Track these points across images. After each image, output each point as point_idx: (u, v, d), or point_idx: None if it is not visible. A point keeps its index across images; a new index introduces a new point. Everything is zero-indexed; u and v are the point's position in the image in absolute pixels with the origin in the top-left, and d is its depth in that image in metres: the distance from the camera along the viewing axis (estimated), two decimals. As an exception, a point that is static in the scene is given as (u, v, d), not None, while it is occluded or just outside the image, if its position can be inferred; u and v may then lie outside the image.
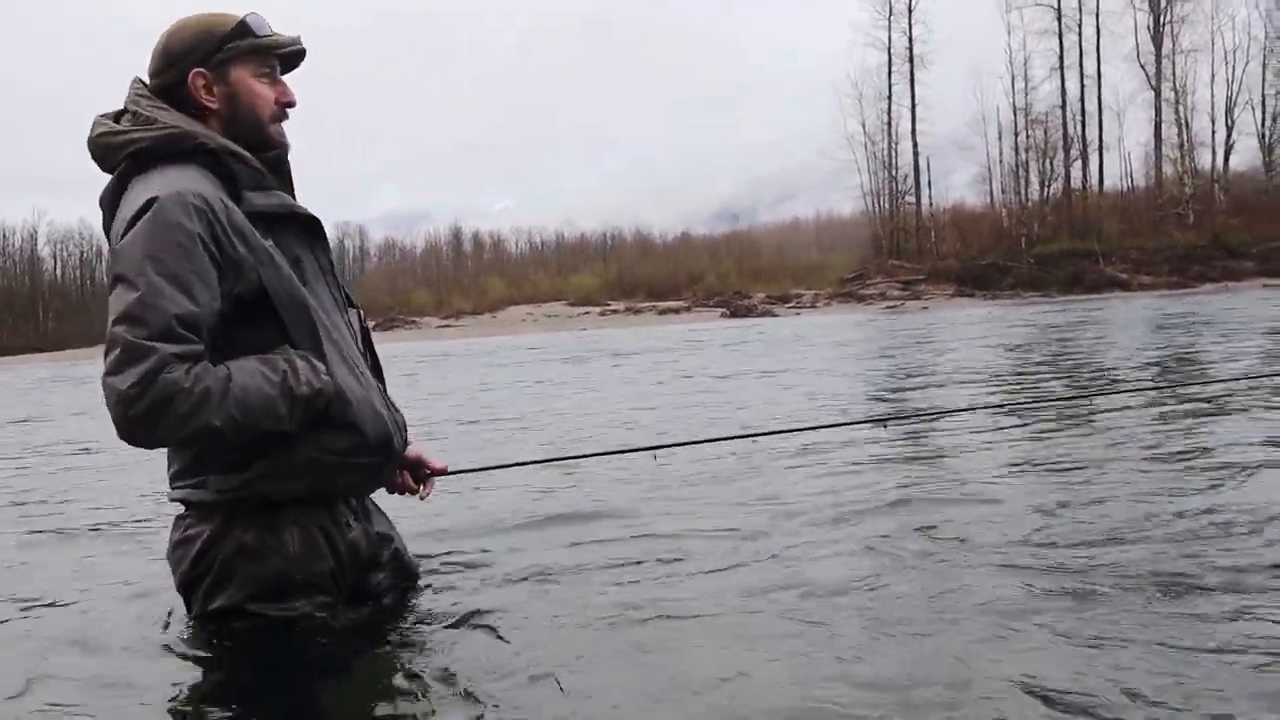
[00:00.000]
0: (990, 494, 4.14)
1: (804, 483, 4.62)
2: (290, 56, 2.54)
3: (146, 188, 2.26)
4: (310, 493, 2.39)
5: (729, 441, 5.40)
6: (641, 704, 2.14)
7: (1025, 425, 6.13)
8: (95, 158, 2.40)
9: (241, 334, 2.29)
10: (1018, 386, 9.14)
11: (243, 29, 2.42)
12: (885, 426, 5.35)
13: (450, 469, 2.92)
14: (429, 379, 15.59)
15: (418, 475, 2.82)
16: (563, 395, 11.08)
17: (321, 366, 2.31)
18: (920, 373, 11.32)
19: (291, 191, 2.52)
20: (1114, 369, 10.14)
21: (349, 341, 2.50)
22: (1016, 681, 2.16)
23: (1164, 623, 2.48)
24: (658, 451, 3.34)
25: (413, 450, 2.79)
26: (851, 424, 5.92)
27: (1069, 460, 4.82)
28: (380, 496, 2.82)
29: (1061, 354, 12.69)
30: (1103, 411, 6.52)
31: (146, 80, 2.45)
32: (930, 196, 57.54)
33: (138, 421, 2.11)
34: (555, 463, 3.49)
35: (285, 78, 2.56)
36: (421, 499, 2.86)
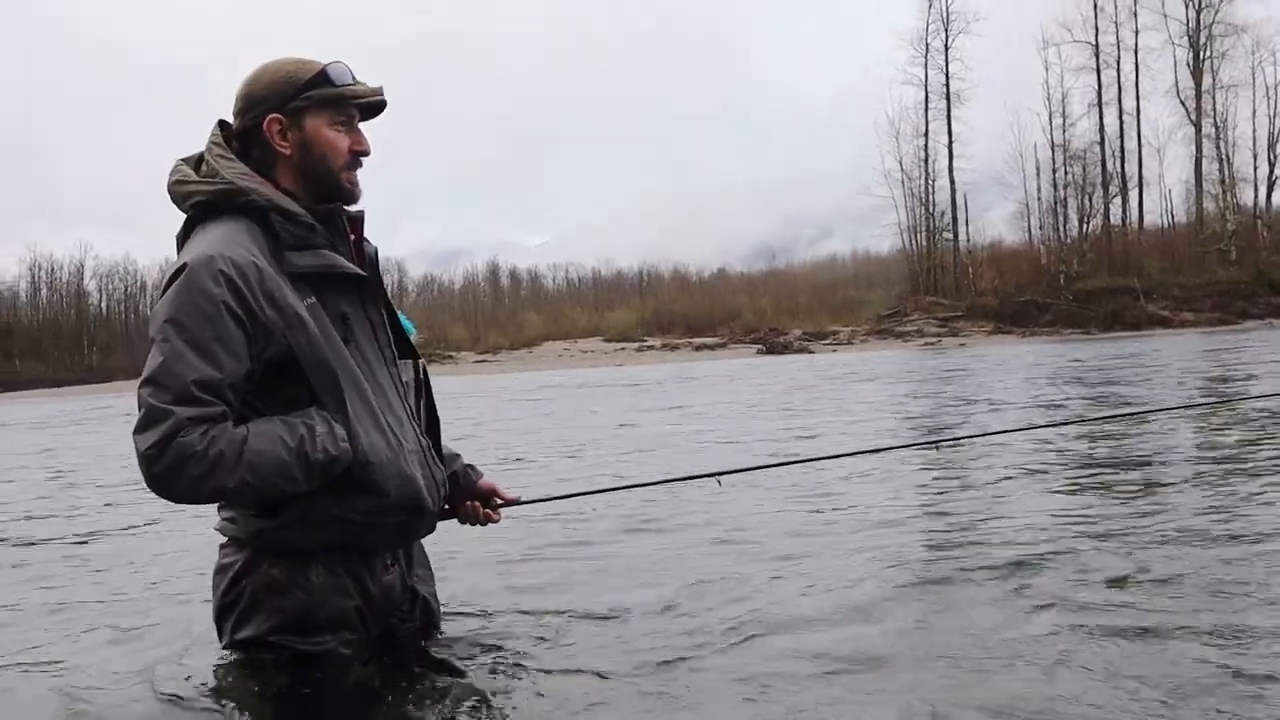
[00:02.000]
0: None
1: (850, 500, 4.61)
2: (370, 106, 2.55)
3: (191, 246, 2.35)
4: (336, 545, 2.43)
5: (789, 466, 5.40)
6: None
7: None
8: (173, 201, 2.47)
9: (279, 389, 2.35)
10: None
11: (321, 77, 2.44)
12: (937, 448, 5.34)
13: (523, 499, 2.96)
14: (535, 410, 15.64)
15: (490, 505, 2.86)
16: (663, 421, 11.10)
17: (341, 432, 2.32)
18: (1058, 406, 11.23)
19: (347, 244, 2.53)
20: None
21: (391, 399, 2.51)
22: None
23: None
24: (720, 477, 3.32)
25: (486, 482, 2.85)
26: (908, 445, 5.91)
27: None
28: (451, 525, 2.85)
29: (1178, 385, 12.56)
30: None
31: (231, 120, 2.50)
32: (968, 233, 57.39)
33: (158, 480, 2.21)
34: (619, 491, 3.50)
35: (365, 126, 2.55)
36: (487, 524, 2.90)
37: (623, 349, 53.54)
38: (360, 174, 2.55)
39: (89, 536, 5.52)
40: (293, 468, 2.26)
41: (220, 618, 2.51)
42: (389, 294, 2.70)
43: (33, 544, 5.39)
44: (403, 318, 2.75)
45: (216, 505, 2.50)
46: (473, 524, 2.86)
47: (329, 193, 2.49)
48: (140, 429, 2.20)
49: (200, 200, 2.40)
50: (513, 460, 8.36)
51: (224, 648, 2.53)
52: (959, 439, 6.86)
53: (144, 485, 2.24)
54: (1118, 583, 3.22)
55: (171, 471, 2.18)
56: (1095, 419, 7.99)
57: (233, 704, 2.44)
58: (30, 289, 71.17)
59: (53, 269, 70.95)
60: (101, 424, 18.97)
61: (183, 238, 2.44)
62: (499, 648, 2.87)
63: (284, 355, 2.31)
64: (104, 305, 72.14)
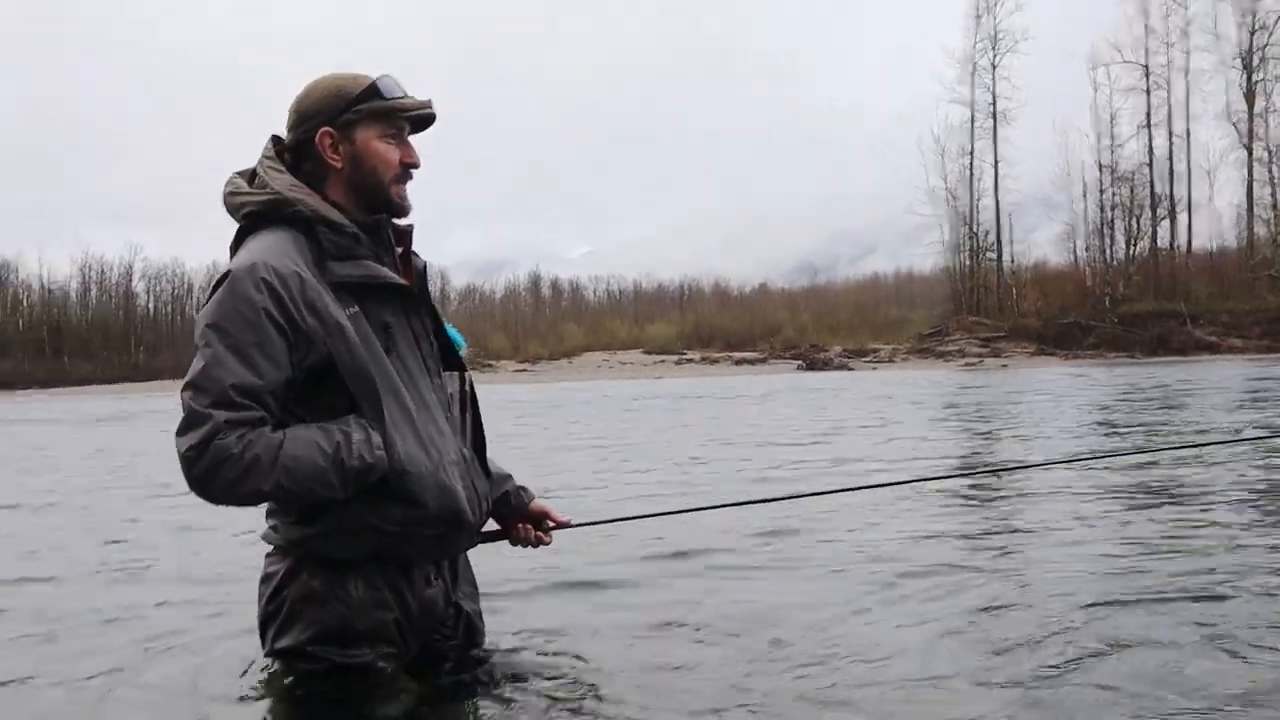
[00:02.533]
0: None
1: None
2: (419, 119, 2.58)
3: (240, 255, 2.41)
4: (374, 555, 2.45)
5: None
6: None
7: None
8: (227, 211, 2.54)
9: (319, 396, 2.39)
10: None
11: (372, 91, 2.49)
12: (998, 475, 5.32)
13: (573, 522, 2.95)
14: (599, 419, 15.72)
15: (542, 527, 2.86)
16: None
17: (378, 439, 2.35)
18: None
19: (392, 255, 2.57)
20: None
21: (433, 410, 2.53)
22: None
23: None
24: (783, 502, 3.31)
25: (537, 504, 2.86)
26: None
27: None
28: (502, 547, 2.87)
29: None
30: None
31: (284, 134, 2.56)
32: (1012, 253, 56.88)
33: (197, 481, 2.27)
34: (676, 515, 3.49)
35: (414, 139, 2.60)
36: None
37: (662, 362, 53.52)
38: (409, 185, 2.59)
39: (146, 536, 5.63)
40: (328, 474, 2.29)
41: (263, 626, 2.55)
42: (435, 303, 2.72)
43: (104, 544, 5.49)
44: (452, 331, 2.77)
45: (265, 512, 2.55)
46: (524, 546, 2.87)
47: (379, 206, 2.54)
48: (181, 431, 2.25)
49: (251, 210, 2.46)
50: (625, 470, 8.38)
51: (265, 655, 2.57)
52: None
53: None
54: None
55: (209, 473, 2.23)
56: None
57: (269, 712, 2.49)
58: (80, 289, 72.53)
59: (102, 270, 72.25)
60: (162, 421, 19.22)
61: (234, 247, 2.50)
62: (539, 668, 2.88)
63: (324, 363, 2.35)
64: (151, 306, 73.21)
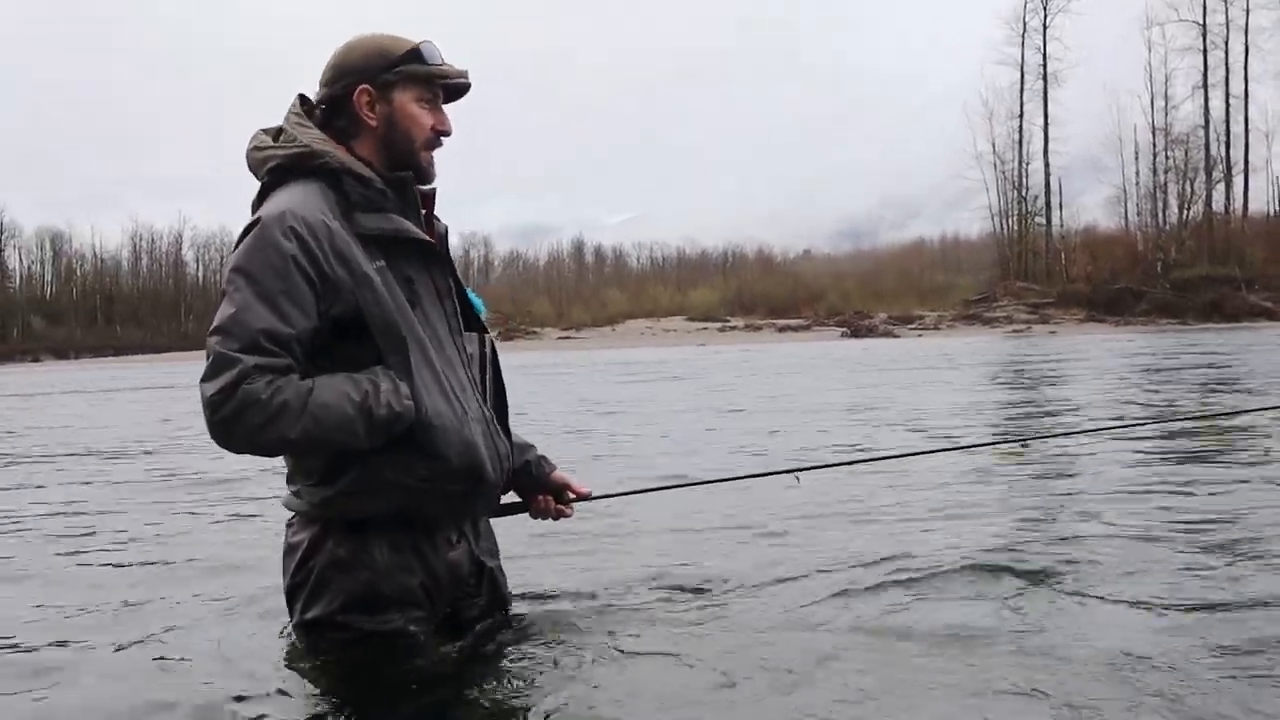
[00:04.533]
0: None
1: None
2: (455, 88, 2.59)
3: (267, 204, 2.39)
4: (397, 514, 2.43)
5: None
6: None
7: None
8: (250, 168, 2.53)
9: (344, 348, 2.37)
10: None
11: (414, 55, 2.48)
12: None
13: (594, 494, 2.91)
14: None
15: (562, 499, 2.85)
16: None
17: (405, 390, 2.34)
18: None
19: (416, 212, 2.55)
20: None
21: (455, 366, 2.52)
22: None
23: None
24: (800, 474, 3.26)
25: (558, 475, 2.83)
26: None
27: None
28: (522, 520, 2.85)
29: None
30: None
31: (317, 88, 2.54)
32: (1061, 218, 56.18)
33: (220, 426, 2.23)
34: (699, 485, 3.44)
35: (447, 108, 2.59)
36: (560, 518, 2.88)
37: (705, 328, 53.51)
38: (440, 153, 2.57)
39: (180, 516, 5.69)
40: (356, 422, 2.27)
41: (290, 598, 2.54)
42: (472, 270, 2.70)
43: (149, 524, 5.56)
44: (472, 294, 2.76)
45: (286, 478, 2.54)
46: (544, 518, 2.86)
47: (406, 168, 2.52)
48: (207, 376, 2.23)
49: (277, 164, 2.44)
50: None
51: (294, 626, 2.56)
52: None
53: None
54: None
55: (234, 417, 2.20)
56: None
57: (302, 682, 2.47)
58: (131, 258, 73.80)
59: (152, 239, 73.51)
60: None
61: (257, 203, 2.47)
62: (571, 627, 2.87)
63: (351, 314, 2.33)
64: (200, 275, 74.40)
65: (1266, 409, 7.61)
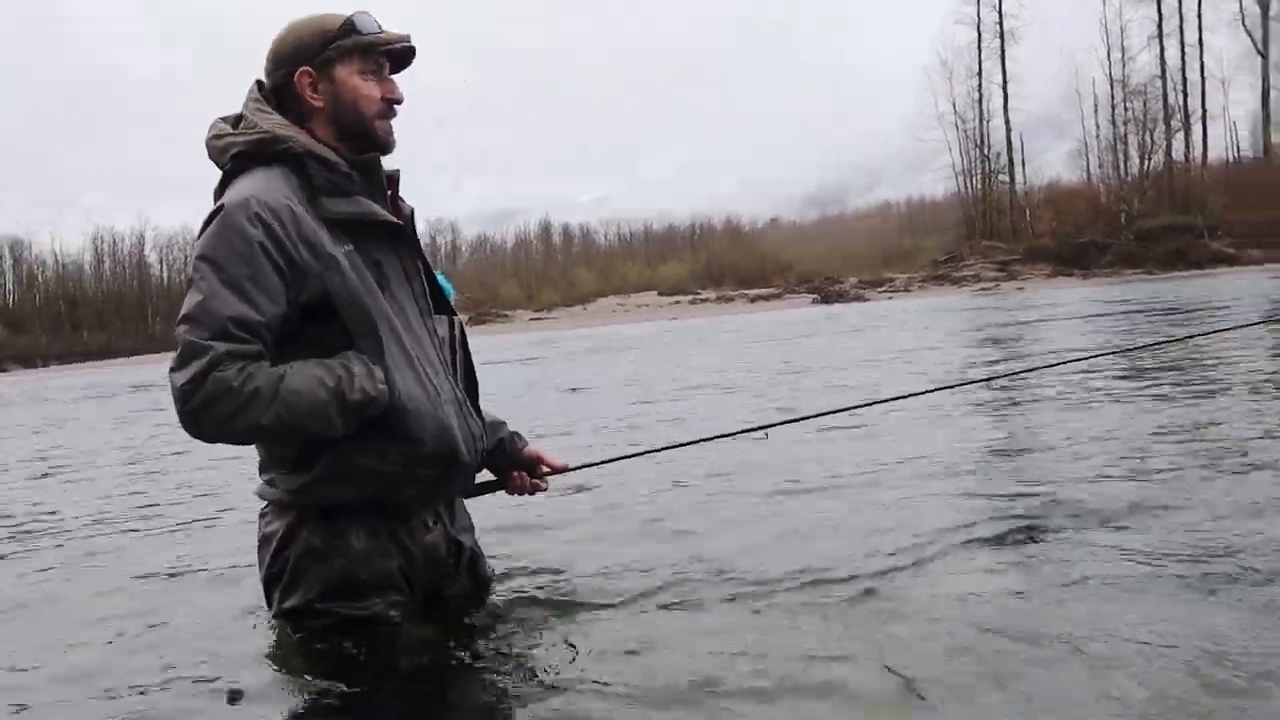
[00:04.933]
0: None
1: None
2: (399, 54, 2.53)
3: (230, 192, 2.36)
4: (372, 500, 2.43)
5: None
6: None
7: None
8: (210, 158, 2.50)
9: (314, 334, 2.35)
10: None
11: (348, 28, 2.45)
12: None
13: (570, 465, 2.92)
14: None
15: (536, 474, 2.85)
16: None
17: (379, 374, 2.32)
18: None
19: (383, 194, 2.53)
20: None
21: (426, 348, 2.51)
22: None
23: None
24: (768, 430, 3.27)
25: (530, 450, 2.83)
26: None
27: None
28: (499, 497, 2.85)
29: None
30: None
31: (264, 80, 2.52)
32: (1024, 175, 56.38)
33: (191, 416, 2.22)
34: (673, 449, 3.43)
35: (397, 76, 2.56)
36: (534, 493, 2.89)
37: (677, 302, 53.48)
38: (411, 131, 2.58)
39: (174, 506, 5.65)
40: (329, 407, 2.26)
41: (267, 588, 2.53)
42: (439, 255, 2.69)
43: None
44: (441, 278, 2.75)
45: (259, 468, 2.53)
46: (520, 494, 2.86)
47: (363, 144, 2.49)
48: (177, 366, 2.21)
49: (239, 151, 2.41)
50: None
51: (273, 616, 2.55)
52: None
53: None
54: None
55: (205, 406, 2.19)
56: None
57: (284, 672, 2.46)
58: (94, 261, 72.84)
59: (114, 241, 72.51)
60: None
61: (220, 191, 2.45)
62: (553, 604, 2.86)
63: (320, 299, 2.32)
64: (165, 275, 73.47)
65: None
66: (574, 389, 11.65)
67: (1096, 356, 7.84)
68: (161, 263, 73.61)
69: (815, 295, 47.50)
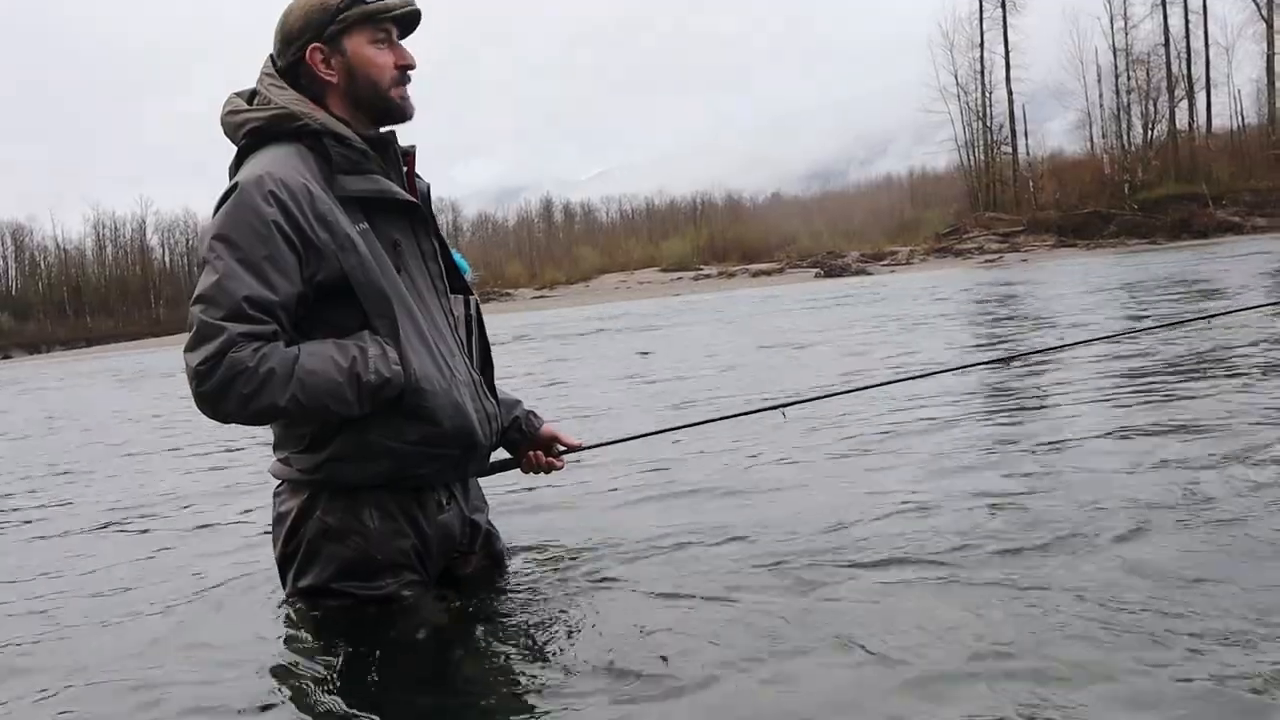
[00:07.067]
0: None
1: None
2: (405, 19, 2.50)
3: (245, 169, 2.34)
4: (388, 479, 2.41)
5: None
6: (745, 696, 2.09)
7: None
8: (225, 134, 2.47)
9: (329, 315, 2.34)
10: None
11: None
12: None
13: (585, 444, 2.91)
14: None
15: (552, 452, 2.84)
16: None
17: (394, 355, 2.31)
18: None
19: (399, 171, 2.51)
20: None
21: (442, 329, 2.49)
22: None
23: None
24: (786, 409, 3.25)
25: (548, 429, 2.83)
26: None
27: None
28: (514, 475, 2.85)
29: None
30: None
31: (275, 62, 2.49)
32: (1027, 146, 56.00)
33: (207, 397, 2.21)
34: (688, 429, 3.42)
35: (406, 41, 2.53)
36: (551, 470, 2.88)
37: (679, 279, 53.34)
38: (413, 92, 2.51)
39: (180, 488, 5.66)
40: (344, 388, 2.25)
41: (282, 567, 2.53)
42: (444, 233, 2.67)
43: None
44: (457, 256, 2.73)
45: (273, 446, 2.52)
46: (536, 473, 2.85)
47: (381, 113, 2.48)
48: (191, 346, 2.20)
49: (254, 127, 2.40)
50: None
51: (287, 596, 2.55)
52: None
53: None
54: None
55: (221, 387, 2.18)
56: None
57: (299, 653, 2.45)
58: (96, 247, 72.76)
59: (115, 226, 72.41)
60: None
61: (235, 168, 2.43)
62: (567, 583, 2.86)
63: (335, 279, 2.30)
64: (167, 259, 73.40)
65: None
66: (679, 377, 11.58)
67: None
68: (163, 247, 73.61)
69: (818, 269, 47.35)
